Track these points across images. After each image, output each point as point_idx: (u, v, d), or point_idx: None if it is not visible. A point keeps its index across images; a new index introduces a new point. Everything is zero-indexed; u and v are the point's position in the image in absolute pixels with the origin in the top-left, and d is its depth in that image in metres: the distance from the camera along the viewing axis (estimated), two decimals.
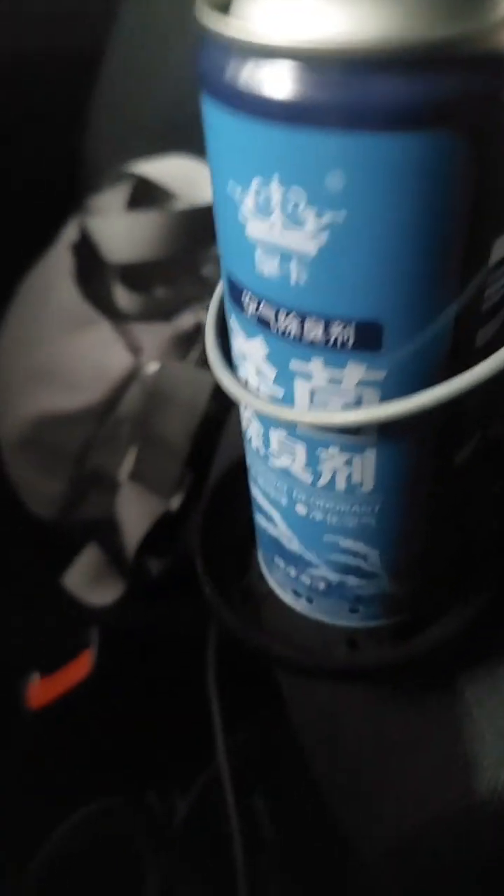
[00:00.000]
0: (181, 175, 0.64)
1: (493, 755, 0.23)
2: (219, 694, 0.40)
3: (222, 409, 0.48)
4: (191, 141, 0.64)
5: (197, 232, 0.59)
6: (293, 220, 0.15)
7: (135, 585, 0.53)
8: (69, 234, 0.60)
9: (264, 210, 0.15)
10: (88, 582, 0.55)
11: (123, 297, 0.57)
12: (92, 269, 0.59)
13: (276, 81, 0.13)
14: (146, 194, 0.65)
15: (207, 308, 0.57)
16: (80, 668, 0.44)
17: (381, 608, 0.24)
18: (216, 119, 0.15)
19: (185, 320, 0.56)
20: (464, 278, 0.15)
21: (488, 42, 0.13)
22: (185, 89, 0.68)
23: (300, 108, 0.13)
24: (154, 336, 0.54)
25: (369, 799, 0.24)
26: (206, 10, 0.14)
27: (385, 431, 0.18)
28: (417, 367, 0.16)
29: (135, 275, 0.59)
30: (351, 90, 0.13)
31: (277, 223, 0.15)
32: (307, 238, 0.15)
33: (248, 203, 0.15)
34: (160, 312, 0.57)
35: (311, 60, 0.13)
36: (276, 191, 0.14)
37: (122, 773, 0.42)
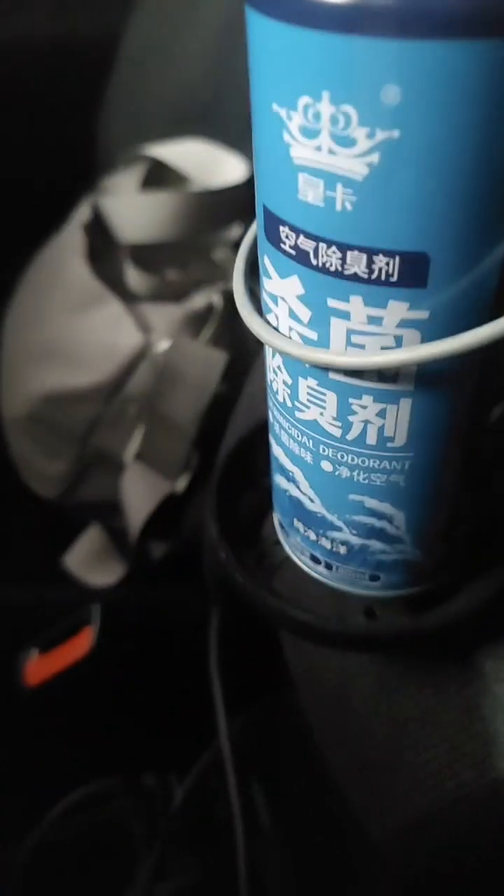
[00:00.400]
0: (195, 158, 0.64)
1: None
2: (221, 677, 0.39)
3: (231, 390, 0.47)
4: (205, 125, 0.64)
5: (210, 215, 0.59)
6: (343, 141, 0.14)
7: (137, 567, 0.52)
8: (82, 213, 0.59)
9: (312, 131, 0.14)
10: (90, 562, 0.54)
11: (135, 278, 0.57)
12: (104, 248, 0.58)
13: None
14: (160, 176, 0.64)
15: (219, 291, 0.56)
16: (80, 646, 0.43)
17: (402, 576, 0.23)
18: (261, 32, 0.14)
19: (197, 301, 0.55)
20: None
21: None
22: (200, 75, 0.68)
23: (355, 14, 0.12)
24: (165, 316, 0.53)
25: (381, 776, 0.24)
26: None
27: (423, 380, 0.17)
28: (462, 308, 0.16)
29: (146, 256, 0.58)
30: None
31: (325, 145, 0.14)
32: (357, 160, 0.14)
33: (295, 123, 0.14)
34: (171, 294, 0.57)
35: None
36: (325, 108, 0.14)
37: (120, 755, 0.41)
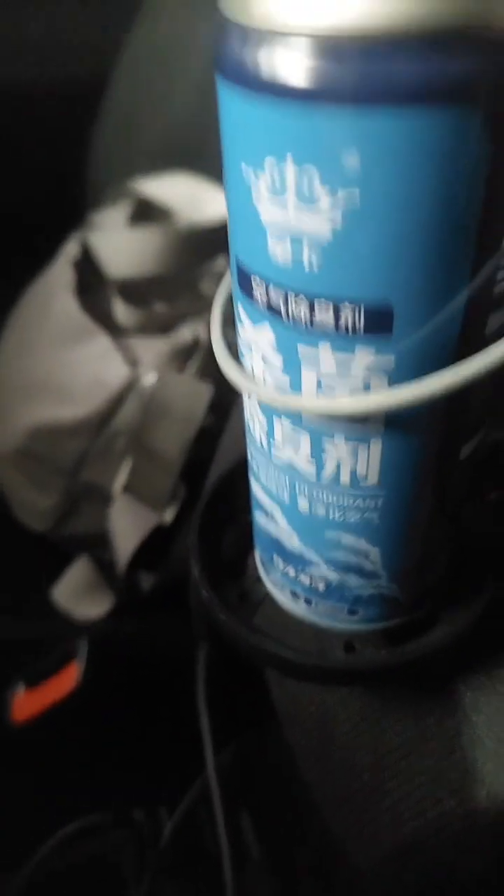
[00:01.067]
0: (181, 194, 0.65)
1: (492, 761, 0.23)
2: (208, 710, 0.39)
3: (217, 422, 0.48)
4: (191, 161, 0.65)
5: (196, 249, 0.60)
6: (307, 201, 0.15)
7: (125, 599, 0.52)
8: (70, 249, 0.60)
9: (278, 191, 0.15)
10: (78, 595, 0.54)
11: (122, 312, 0.58)
12: (92, 283, 0.59)
13: (294, 63, 0.13)
14: (147, 212, 0.66)
15: (205, 323, 0.57)
16: (67, 680, 0.43)
17: (380, 610, 0.23)
18: (231, 101, 0.15)
19: (183, 335, 0.56)
20: (477, 261, 0.15)
21: (499, 27, 0.13)
22: (186, 114, 0.70)
23: (317, 87, 0.13)
24: (152, 349, 0.54)
25: (365, 806, 0.24)
26: None
27: (392, 421, 0.18)
28: (427, 354, 0.16)
29: (134, 290, 0.59)
30: (368, 68, 0.13)
31: (291, 205, 0.15)
32: (320, 219, 0.15)
33: (262, 185, 0.15)
34: (158, 327, 0.58)
35: (329, 41, 0.13)
36: (290, 171, 0.14)
37: (109, 789, 0.41)
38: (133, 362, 0.53)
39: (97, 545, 0.53)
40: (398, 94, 0.13)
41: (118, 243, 0.61)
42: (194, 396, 0.49)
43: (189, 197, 0.65)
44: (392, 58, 0.13)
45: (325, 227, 0.15)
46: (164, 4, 0.71)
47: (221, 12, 0.15)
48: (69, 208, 0.69)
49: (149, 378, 0.51)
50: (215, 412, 0.48)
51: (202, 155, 0.64)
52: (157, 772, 0.43)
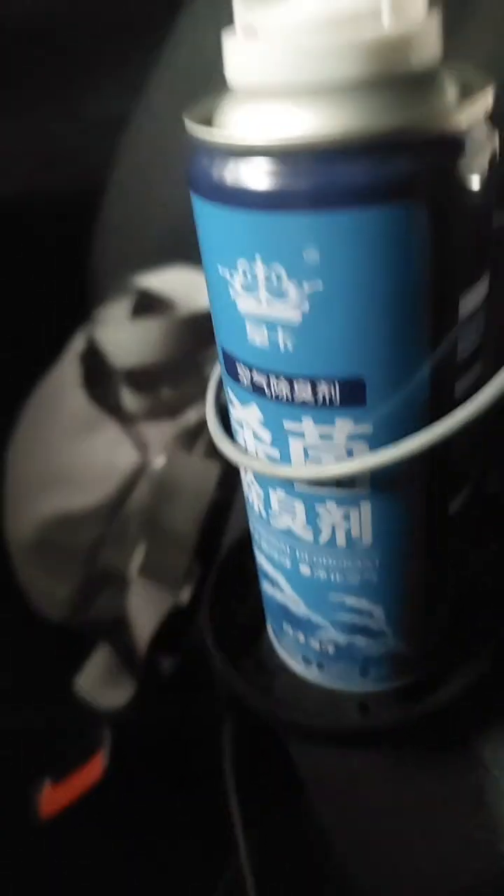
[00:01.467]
0: (180, 284, 0.69)
1: None
2: (237, 787, 0.38)
3: (228, 497, 0.49)
4: (187, 253, 0.69)
5: (198, 335, 0.63)
6: (277, 294, 0.16)
7: (147, 684, 0.52)
8: (77, 344, 0.64)
9: (251, 287, 0.17)
10: (100, 684, 0.54)
11: (130, 399, 0.60)
12: (99, 375, 0.62)
13: (255, 175, 0.15)
14: (149, 304, 0.69)
15: None
16: (92, 772, 0.42)
17: (391, 669, 0.24)
18: (204, 213, 0.17)
19: (190, 417, 0.58)
20: (436, 334, 0.17)
21: (436, 126, 0.15)
22: (180, 209, 0.74)
23: (276, 196, 0.15)
24: (160, 433, 0.56)
25: (394, 872, 0.24)
26: (193, 122, 0.17)
27: (378, 482, 0.19)
28: (401, 419, 0.18)
29: (141, 378, 0.62)
30: (319, 177, 0.15)
31: (263, 298, 0.17)
32: (291, 308, 0.16)
33: (236, 281, 0.17)
34: (166, 411, 0.60)
35: (284, 155, 0.15)
36: (260, 269, 0.16)
37: (137, 879, 0.40)
38: (142, 447, 0.55)
39: (116, 631, 0.53)
40: (348, 196, 0.15)
41: (122, 335, 0.64)
42: (203, 475, 0.50)
43: (188, 287, 0.69)
44: (340, 165, 0.15)
45: (296, 314, 0.16)
46: (159, 101, 0.77)
47: (188, 134, 0.17)
48: (74, 307, 0.72)
49: (158, 461, 0.53)
50: (225, 489, 0.50)
51: (197, 246, 0.68)
52: (187, 859, 0.42)
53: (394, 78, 0.15)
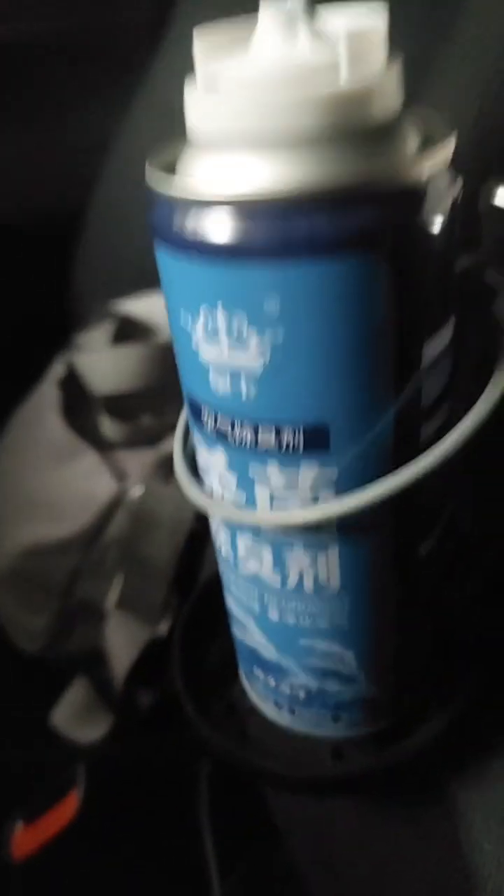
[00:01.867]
0: (161, 311, 0.68)
1: (492, 864, 0.22)
2: (212, 829, 0.38)
3: (206, 528, 0.49)
4: None
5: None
6: (239, 342, 0.16)
7: (124, 718, 0.51)
8: (56, 370, 0.63)
9: (213, 335, 0.17)
10: (76, 719, 0.53)
11: (109, 427, 0.60)
12: (78, 402, 0.61)
13: (216, 227, 0.15)
14: (129, 330, 0.69)
15: None
16: (66, 810, 0.41)
17: (363, 714, 0.23)
18: (167, 261, 0.17)
19: (169, 445, 0.57)
20: (399, 381, 0.17)
21: (397, 178, 0.15)
22: None
23: (236, 247, 0.15)
24: (139, 461, 0.56)
25: None
26: (155, 173, 0.17)
27: (344, 527, 0.19)
28: (366, 465, 0.18)
29: (120, 405, 0.61)
30: (279, 229, 0.15)
31: (225, 346, 0.16)
32: (253, 357, 0.16)
33: (199, 330, 0.17)
34: (145, 439, 0.59)
35: (245, 207, 0.15)
36: (221, 317, 0.16)
37: None
38: (121, 475, 0.54)
39: (93, 664, 0.52)
40: (308, 248, 0.15)
41: (102, 361, 0.64)
42: (182, 506, 0.50)
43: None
44: (299, 218, 0.15)
45: (258, 362, 0.16)
46: (138, 132, 0.77)
47: (149, 185, 0.17)
48: (54, 333, 0.72)
49: (136, 491, 0.52)
50: (203, 520, 0.49)
51: None
52: None
53: (353, 130, 0.15)
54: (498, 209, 0.22)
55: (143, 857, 0.41)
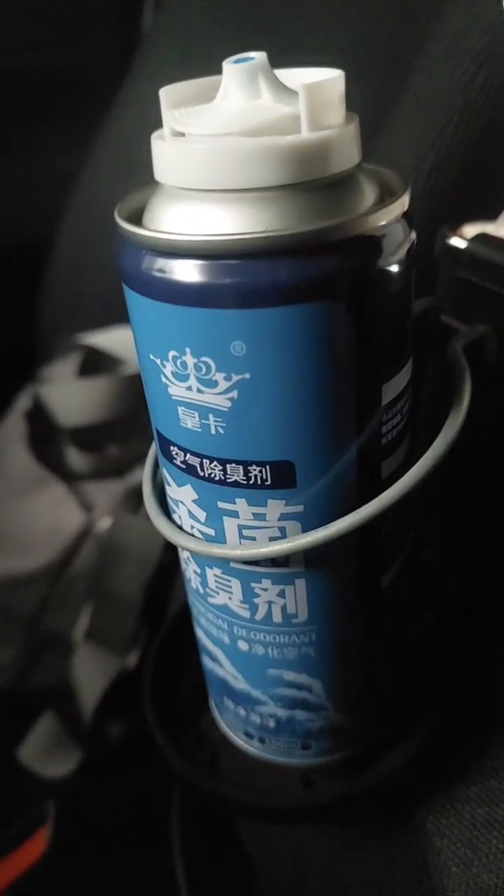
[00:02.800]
0: (126, 342, 0.69)
1: (460, 889, 0.23)
2: (185, 861, 0.37)
3: (174, 560, 0.49)
4: None
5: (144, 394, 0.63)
6: (206, 383, 0.17)
7: (93, 751, 0.51)
8: (22, 402, 0.63)
9: (181, 376, 0.17)
10: (45, 754, 0.52)
11: (76, 458, 0.60)
12: (45, 433, 0.61)
13: (181, 273, 0.16)
14: (95, 362, 0.69)
15: None
16: (34, 849, 0.41)
17: (332, 742, 0.24)
18: (136, 305, 0.18)
19: (137, 476, 0.58)
20: (360, 420, 0.18)
21: (355, 227, 0.16)
22: None
23: (203, 293, 0.16)
24: (107, 493, 0.56)
25: None
26: (123, 220, 0.17)
27: (310, 560, 0.19)
28: (331, 499, 0.18)
29: (87, 436, 0.61)
30: (242, 277, 0.15)
31: (193, 386, 0.17)
32: (220, 397, 0.17)
33: (168, 370, 0.17)
34: (112, 470, 0.59)
35: (209, 255, 0.16)
36: (189, 359, 0.17)
37: None
38: (88, 507, 0.54)
39: (61, 697, 0.52)
40: (270, 296, 0.16)
41: (68, 393, 0.64)
42: (149, 537, 0.50)
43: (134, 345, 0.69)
44: (262, 266, 0.15)
45: (226, 403, 0.17)
46: (103, 165, 0.78)
47: (119, 233, 0.17)
48: (20, 365, 0.72)
49: (104, 522, 0.52)
50: (171, 551, 0.49)
51: None
52: None
53: (313, 182, 0.16)
54: (452, 251, 0.23)
55: (115, 893, 0.40)
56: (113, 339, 0.71)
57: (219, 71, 0.17)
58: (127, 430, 0.63)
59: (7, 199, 0.79)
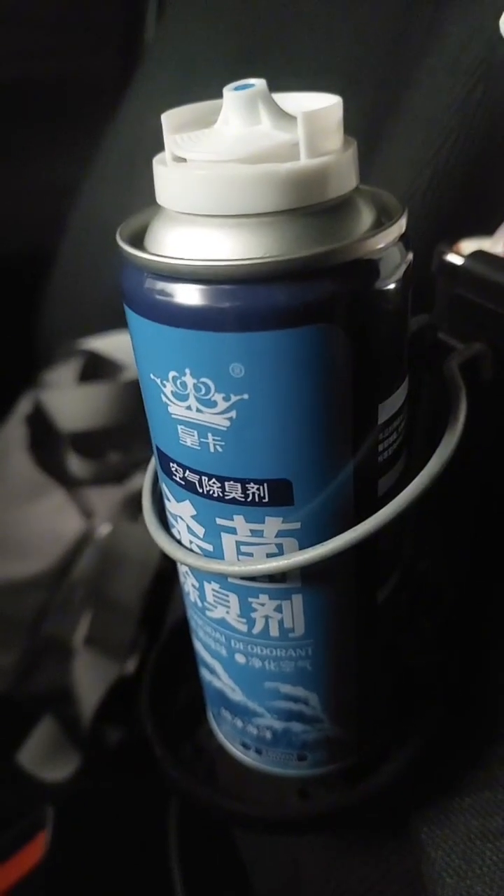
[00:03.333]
0: (127, 348, 0.69)
1: None
2: (181, 869, 0.38)
3: (174, 567, 0.49)
4: None
5: None
6: (206, 403, 0.17)
7: (92, 757, 0.51)
8: (23, 407, 0.63)
9: (181, 396, 0.17)
10: (44, 758, 0.53)
11: (76, 464, 0.60)
12: (46, 439, 0.62)
13: (182, 296, 0.16)
14: (96, 367, 0.69)
15: None
16: (33, 854, 0.41)
17: (328, 753, 0.24)
18: (137, 326, 0.18)
19: (137, 482, 0.58)
20: (357, 439, 0.18)
21: (352, 252, 0.16)
22: None
23: (203, 317, 0.16)
24: (106, 499, 0.56)
25: None
26: (125, 243, 0.18)
27: (307, 576, 0.20)
28: (328, 517, 0.19)
29: (87, 442, 0.62)
30: (241, 300, 0.16)
31: (193, 405, 0.17)
32: (219, 416, 0.17)
33: (168, 389, 0.18)
34: (113, 476, 0.60)
35: (210, 279, 0.16)
36: (189, 380, 0.17)
37: None
38: (88, 513, 0.54)
39: (61, 702, 0.52)
40: (269, 319, 0.16)
41: (69, 399, 0.64)
42: (149, 544, 0.50)
43: None
44: (261, 289, 0.16)
45: (225, 422, 0.17)
46: (105, 176, 0.78)
47: (121, 256, 0.18)
48: (21, 371, 0.72)
49: (104, 528, 0.53)
50: (170, 558, 0.50)
51: None
52: None
53: (311, 207, 0.17)
54: (449, 268, 0.24)
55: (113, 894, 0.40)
56: (114, 345, 0.71)
57: (220, 84, 0.18)
58: (127, 436, 0.63)
59: (9, 206, 0.80)
